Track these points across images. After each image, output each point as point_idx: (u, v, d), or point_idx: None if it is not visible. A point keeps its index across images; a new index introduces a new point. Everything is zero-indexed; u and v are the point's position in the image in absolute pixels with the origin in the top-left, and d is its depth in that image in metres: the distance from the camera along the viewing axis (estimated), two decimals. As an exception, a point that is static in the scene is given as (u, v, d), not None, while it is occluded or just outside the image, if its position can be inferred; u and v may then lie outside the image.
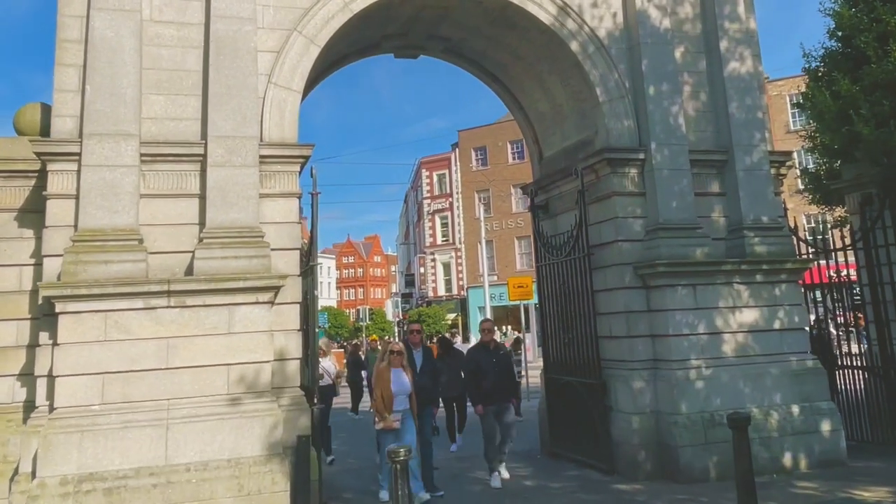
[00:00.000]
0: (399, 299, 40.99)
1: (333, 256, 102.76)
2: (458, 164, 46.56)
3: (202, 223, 7.14)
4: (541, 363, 12.58)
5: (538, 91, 10.21)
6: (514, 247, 42.94)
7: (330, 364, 11.65)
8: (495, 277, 40.58)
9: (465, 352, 10.87)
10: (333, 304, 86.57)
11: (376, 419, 7.45)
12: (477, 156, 46.05)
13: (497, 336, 34.88)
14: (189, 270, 6.98)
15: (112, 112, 6.84)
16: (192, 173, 7.25)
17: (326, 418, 10.76)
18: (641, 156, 8.80)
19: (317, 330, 8.00)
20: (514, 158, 44.51)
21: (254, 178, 7.27)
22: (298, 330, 7.50)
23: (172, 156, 7.15)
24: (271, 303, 7.13)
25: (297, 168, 7.63)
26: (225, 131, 7.22)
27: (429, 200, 48.38)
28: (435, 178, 48.60)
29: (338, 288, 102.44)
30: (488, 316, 35.58)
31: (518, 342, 17.78)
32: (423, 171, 49.35)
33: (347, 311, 70.06)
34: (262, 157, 7.39)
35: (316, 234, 8.03)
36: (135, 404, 6.51)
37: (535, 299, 26.97)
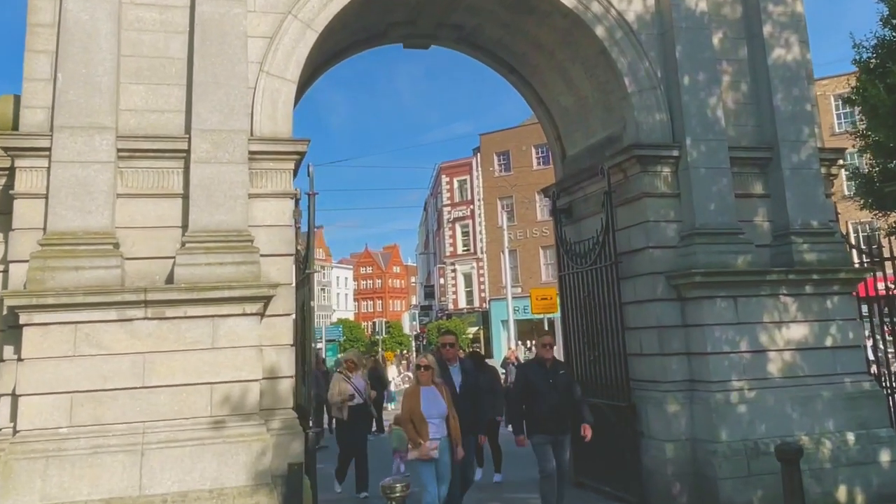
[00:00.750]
0: (417, 312, 40.52)
1: (351, 267, 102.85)
2: (479, 169, 46.14)
3: (185, 226, 6.72)
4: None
5: (560, 83, 9.69)
6: (539, 257, 42.33)
7: (362, 381, 10.30)
8: (519, 289, 39.98)
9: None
10: (351, 316, 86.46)
11: (409, 447, 6.62)
12: (500, 161, 45.58)
13: (521, 352, 34.29)
14: (170, 278, 6.55)
15: (86, 103, 6.45)
16: (174, 171, 6.84)
17: (357, 447, 9.61)
18: (675, 152, 8.23)
19: (314, 345, 7.51)
20: (539, 163, 43.92)
21: (242, 177, 6.84)
22: (292, 345, 7.04)
23: (153, 151, 6.75)
24: (261, 314, 6.68)
25: (292, 165, 7.19)
26: (211, 124, 6.80)
27: (449, 208, 48.00)
28: (455, 185, 48.23)
29: (355, 300, 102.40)
30: (511, 330, 35.03)
31: None
32: (443, 176, 49.01)
33: (364, 323, 69.77)
34: (251, 153, 6.96)
35: (312, 239, 7.58)
36: (107, 427, 6.08)
37: (559, 312, 26.40)
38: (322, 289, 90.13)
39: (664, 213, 8.21)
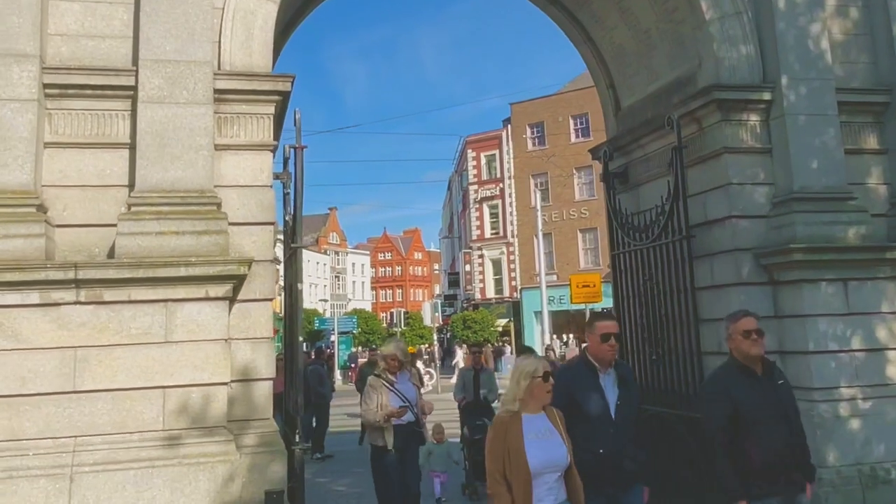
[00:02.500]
0: (440, 301, 39.59)
1: (368, 253, 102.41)
2: (510, 143, 45.04)
3: (133, 185, 5.68)
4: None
5: (614, 14, 8.46)
6: (576, 241, 41.32)
7: (412, 387, 7.28)
8: (554, 277, 39.12)
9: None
10: (368, 306, 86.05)
11: None
12: (532, 133, 44.42)
13: (557, 346, 33.19)
14: (113, 252, 5.53)
15: (0, 24, 5.41)
16: (119, 114, 5.81)
17: (410, 489, 7.09)
18: (766, 95, 7.00)
19: (300, 338, 6.47)
20: (577, 136, 42.70)
21: (205, 122, 5.78)
22: (271, 338, 5.99)
23: (91, 88, 5.71)
24: (230, 299, 5.64)
25: (271, 109, 6.12)
26: (165, 53, 5.73)
27: (476, 186, 47.01)
28: (483, 161, 47.18)
29: (373, 288, 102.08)
30: (545, 323, 33.94)
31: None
32: (470, 151, 47.98)
33: (382, 314, 69.20)
34: (218, 91, 5.89)
35: (300, 205, 6.50)
36: (25, 444, 5.11)
37: (603, 302, 25.27)
38: (336, 276, 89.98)
39: (751, 173, 7.02)
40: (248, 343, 5.83)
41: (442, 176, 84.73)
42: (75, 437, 5.20)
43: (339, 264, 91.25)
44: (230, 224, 5.83)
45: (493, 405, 10.13)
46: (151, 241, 5.48)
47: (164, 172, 5.65)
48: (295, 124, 6.42)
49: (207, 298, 5.51)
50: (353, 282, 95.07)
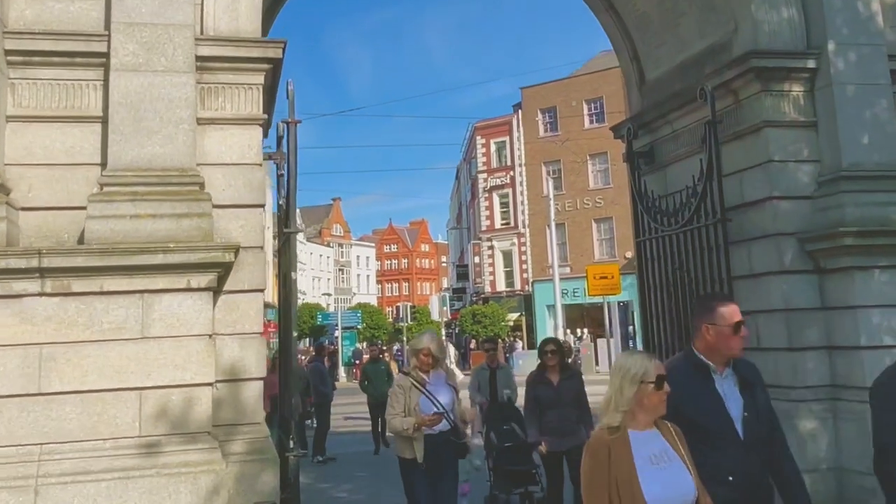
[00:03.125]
0: (447, 295, 39.22)
1: (373, 245, 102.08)
2: (520, 129, 44.56)
3: (106, 163, 5.26)
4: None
5: (639, -23, 7.98)
6: (591, 231, 40.86)
7: (448, 389, 6.18)
8: (567, 269, 38.73)
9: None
10: (373, 300, 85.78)
11: None
12: (545, 119, 43.90)
13: (571, 342, 32.72)
14: (84, 237, 5.11)
15: (-45, -20, 4.99)
16: (90, 84, 5.38)
17: (439, 500, 6.03)
18: (811, 63, 6.54)
19: (294, 333, 6.06)
20: (591, 121, 42.18)
21: (186, 92, 5.35)
22: (262, 333, 5.58)
23: (59, 55, 5.29)
24: (214, 290, 5.22)
25: (260, 79, 5.68)
26: (140, 16, 5.30)
27: (485, 175, 46.52)
28: (492, 148, 46.70)
29: (378, 282, 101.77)
30: (559, 317, 33.49)
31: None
32: (478, 138, 47.50)
33: (388, 309, 68.87)
34: (201, 58, 5.46)
35: (294, 186, 6.08)
36: (-16, 452, 4.69)
37: (622, 294, 24.71)
38: (340, 269, 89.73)
39: (794, 149, 6.55)
40: (235, 339, 5.41)
41: (450, 166, 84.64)
42: (41, 444, 4.79)
43: (342, 257, 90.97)
44: (215, 207, 5.40)
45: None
46: (125, 224, 5.05)
47: (139, 149, 5.23)
48: (288, 97, 6.00)
49: (189, 289, 5.08)
50: (358, 275, 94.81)
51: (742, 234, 6.69)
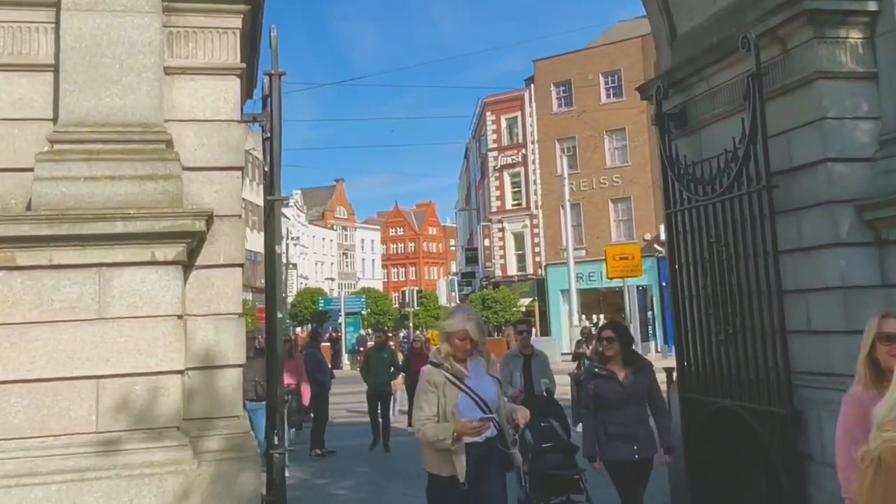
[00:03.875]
0: (456, 279, 38.75)
1: (378, 228, 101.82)
2: (533, 104, 44.09)
3: (58, 118, 4.74)
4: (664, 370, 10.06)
5: (672, -87, 7.36)
6: (607, 212, 40.53)
7: (493, 385, 4.99)
8: (583, 252, 38.51)
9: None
10: (378, 285, 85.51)
11: None
12: (559, 93, 43.37)
13: (587, 324, 32.20)
14: (31, 203, 4.60)
15: None
16: (40, 28, 4.85)
17: None
18: (872, 5, 5.95)
19: (279, 313, 5.55)
20: (608, 95, 41.64)
21: (150, 35, 4.81)
22: (241, 315, 5.08)
23: (2, -9, 4.75)
24: (184, 263, 4.72)
25: (237, 22, 5.14)
26: (96, -56, 4.74)
27: (495, 153, 46.15)
28: (503, 124, 46.28)
29: (384, 266, 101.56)
30: (573, 302, 32.99)
31: (590, 337, 14.63)
32: (488, 114, 47.02)
33: (394, 294, 68.60)
34: (168, -4, 4.91)
35: (278, 146, 5.54)
36: (-85, 452, 4.21)
37: (644, 277, 24.15)
38: (344, 253, 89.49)
39: (852, 104, 5.97)
40: (210, 321, 4.90)
41: (458, 143, 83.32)
42: (-20, 441, 4.31)
43: (346, 240, 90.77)
44: (185, 169, 4.88)
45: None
46: (80, 188, 4.52)
47: (96, 100, 4.69)
48: (270, 46, 5.44)
49: (154, 262, 4.57)
50: (363, 259, 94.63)
51: (790, 202, 6.13)
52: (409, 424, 15.27)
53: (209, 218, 4.69)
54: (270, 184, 5.64)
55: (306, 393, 11.66)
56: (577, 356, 13.85)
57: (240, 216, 5.10)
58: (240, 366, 4.99)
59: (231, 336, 4.94)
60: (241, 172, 5.16)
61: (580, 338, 14.52)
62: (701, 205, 6.90)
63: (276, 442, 5.17)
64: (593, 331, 16.46)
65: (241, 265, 5.07)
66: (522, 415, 4.93)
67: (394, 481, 10.00)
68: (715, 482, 6.65)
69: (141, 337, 4.52)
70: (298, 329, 43.08)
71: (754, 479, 6.21)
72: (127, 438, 4.45)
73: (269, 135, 5.75)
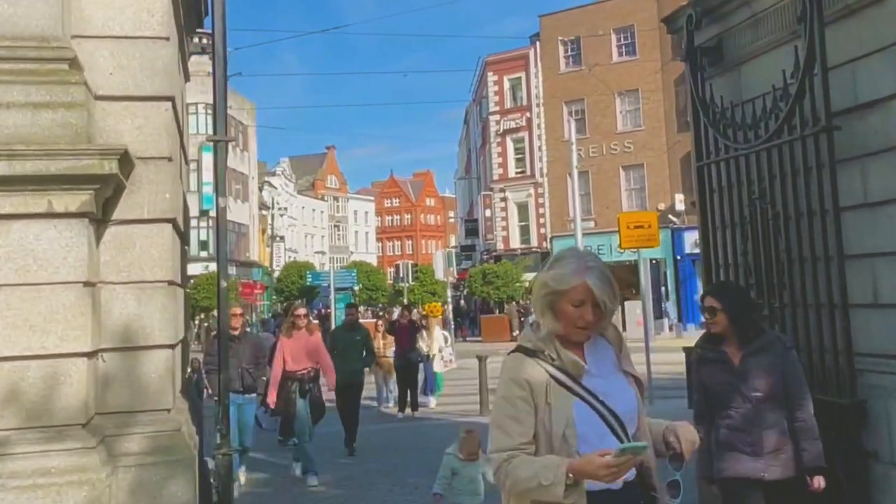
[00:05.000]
0: (454, 252, 38.00)
1: (372, 199, 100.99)
2: (538, 63, 43.06)
3: (-71, 27, 3.91)
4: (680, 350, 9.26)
5: None
6: (618, 180, 39.76)
7: (627, 388, 2.86)
8: (592, 223, 37.77)
9: None
10: (373, 260, 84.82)
11: None
12: (567, 51, 42.29)
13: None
14: None
15: None
16: None
17: None
18: None
19: (225, 283, 4.75)
20: (620, 54, 40.61)
21: (48, -81, 3.95)
22: (172, 283, 4.28)
23: None
24: (94, 217, 3.92)
25: None
26: None
27: (497, 116, 45.24)
28: (506, 85, 45.30)
29: (378, 239, 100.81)
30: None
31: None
32: (490, 74, 46.04)
33: (389, 269, 68.02)
34: None
35: (223, 73, 4.70)
36: None
37: (661, 248, 23.25)
38: (336, 225, 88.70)
39: (934, 26, 5.10)
40: (130, 290, 4.12)
41: (459, 113, 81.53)
42: None
43: (338, 212, 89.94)
44: (98, 98, 4.10)
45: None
46: (-47, 117, 3.71)
47: (-24, 4, 3.86)
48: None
49: (51, 215, 3.76)
50: (356, 232, 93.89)
51: (854, 147, 5.30)
52: (401, 410, 14.63)
53: (123, 158, 3.86)
54: (214, 118, 4.81)
55: (330, 376, 9.99)
56: None
57: (170, 159, 4.28)
58: (171, 346, 4.22)
59: (157, 309, 4.17)
60: (171, 104, 4.33)
61: None
62: (741, 154, 6.11)
63: (219, 440, 4.39)
64: None
65: (171, 220, 4.26)
66: (688, 436, 2.85)
67: (377, 477, 9.28)
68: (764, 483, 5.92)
69: (34, 310, 3.74)
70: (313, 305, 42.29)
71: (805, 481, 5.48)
72: (16, 440, 3.69)
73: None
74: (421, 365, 14.94)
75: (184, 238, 5.41)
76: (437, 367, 15.35)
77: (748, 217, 6.10)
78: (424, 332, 15.61)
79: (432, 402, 15.27)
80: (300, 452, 9.39)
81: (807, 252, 5.44)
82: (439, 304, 31.19)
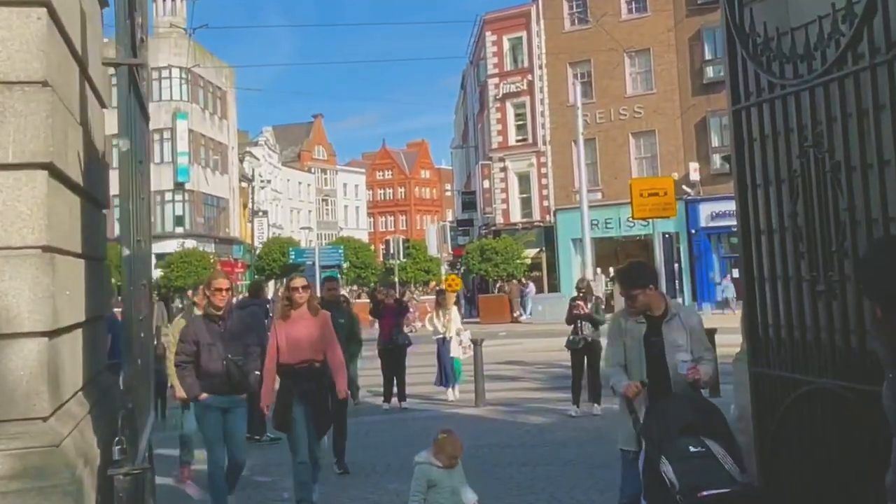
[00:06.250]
0: (448, 225, 37.29)
1: (363, 171, 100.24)
2: (541, 21, 42.55)
3: None
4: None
5: None
6: (627, 147, 39.33)
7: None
8: (599, 195, 37.52)
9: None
10: (364, 236, 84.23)
11: None
12: (571, 7, 41.64)
13: (602, 283, 30.75)
14: None
15: None
16: None
17: None
18: None
19: (128, 251, 3.89)
20: (630, 10, 39.96)
21: None
22: (50, 250, 3.43)
23: None
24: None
25: None
26: None
27: (496, 80, 44.56)
28: (506, 45, 44.69)
29: (369, 214, 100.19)
30: (587, 253, 31.58)
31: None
32: (488, 34, 45.38)
33: (381, 246, 67.61)
34: None
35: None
36: None
37: (674, 221, 22.61)
38: (324, 199, 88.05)
39: None
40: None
41: (455, 82, 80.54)
42: None
43: (326, 185, 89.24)
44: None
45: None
46: None
47: None
48: None
49: None
50: (346, 206, 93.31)
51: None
52: (385, 400, 13.81)
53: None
54: (119, 35, 3.91)
55: (340, 378, 7.82)
56: (572, 318, 11.90)
57: (45, 83, 3.41)
58: (47, 334, 3.37)
59: (27, 285, 3.32)
60: (46, 10, 3.45)
61: (575, 294, 12.44)
62: (790, 92, 5.31)
63: (118, 456, 3.54)
64: (594, 285, 14.71)
65: (47, 166, 3.39)
66: None
67: (353, 481, 8.53)
68: (809, 492, 5.18)
69: None
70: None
71: (863, 484, 4.72)
72: None
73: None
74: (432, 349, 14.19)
75: (95, 198, 4.56)
76: (455, 351, 14.35)
77: (798, 170, 5.34)
78: (440, 311, 14.73)
79: (452, 394, 14.21)
80: (300, 474, 7.49)
81: (875, 212, 4.67)
82: (458, 277, 29.76)
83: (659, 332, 5.54)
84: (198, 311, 8.36)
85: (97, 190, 4.72)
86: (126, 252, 3.68)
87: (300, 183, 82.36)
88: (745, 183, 5.87)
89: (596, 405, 11.51)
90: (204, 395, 6.99)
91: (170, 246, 46.13)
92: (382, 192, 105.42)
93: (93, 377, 4.10)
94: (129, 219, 3.71)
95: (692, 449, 4.78)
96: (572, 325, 11.86)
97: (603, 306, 12.58)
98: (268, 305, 15.32)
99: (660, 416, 5.06)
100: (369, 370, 14.33)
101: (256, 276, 48.80)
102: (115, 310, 9.24)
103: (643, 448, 4.93)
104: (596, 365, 11.34)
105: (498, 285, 38.12)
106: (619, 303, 32.19)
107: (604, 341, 6.54)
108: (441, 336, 14.27)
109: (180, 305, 34.20)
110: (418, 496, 5.25)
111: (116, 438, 3.49)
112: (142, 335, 3.99)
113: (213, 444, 7.12)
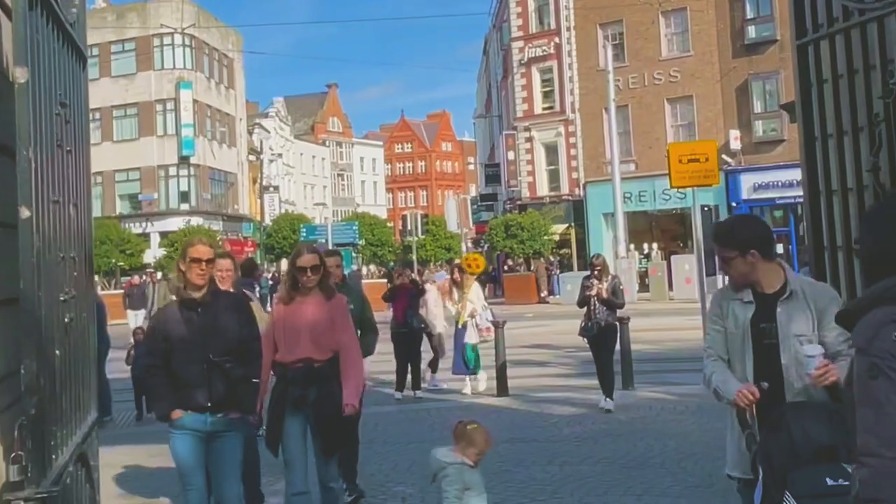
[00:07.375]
0: (470, 199, 36.76)
1: (381, 144, 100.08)
2: (569, -22, 41.50)
3: None
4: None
5: None
6: (663, 115, 38.87)
7: None
8: (632, 166, 37.12)
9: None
10: (382, 213, 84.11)
11: None
12: (601, -38, 40.54)
13: (635, 260, 29.97)
14: None
15: None
16: None
17: None
18: None
19: (76, 212, 3.28)
20: (664, -36, 38.76)
21: None
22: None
23: None
24: None
25: None
26: None
27: (521, 43, 44.15)
28: (531, 6, 44.43)
29: (388, 190, 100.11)
30: (619, 228, 30.93)
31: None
32: (512, -6, 44.54)
33: (400, 222, 67.49)
34: None
35: None
36: None
37: (714, 193, 21.84)
38: (339, 174, 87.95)
39: None
40: None
41: (478, 49, 79.40)
42: None
43: (342, 159, 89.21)
44: None
45: None
46: None
47: None
48: None
49: None
50: (363, 181, 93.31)
51: None
52: (398, 389, 13.26)
53: None
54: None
55: (351, 382, 6.01)
56: (583, 301, 11.10)
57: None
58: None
59: None
60: None
61: (588, 273, 11.53)
62: (871, 19, 4.73)
63: (16, 476, 2.91)
64: (626, 263, 14.02)
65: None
66: None
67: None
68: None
69: None
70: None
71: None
72: None
73: None
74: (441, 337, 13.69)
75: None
76: (471, 336, 13.66)
77: (881, 116, 4.70)
78: (455, 291, 14.15)
79: (475, 383, 13.52)
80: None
81: None
82: (482, 256, 27.95)
83: (772, 315, 4.33)
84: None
85: None
86: (25, 214, 3.05)
87: (314, 157, 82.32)
88: (812, 134, 5.35)
89: (608, 399, 10.74)
90: (178, 413, 5.26)
91: (174, 223, 46.02)
92: (402, 166, 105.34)
93: (11, 372, 3.49)
94: (29, 170, 3.09)
95: (830, 482, 3.69)
96: (584, 308, 11.22)
97: (622, 287, 11.69)
98: (256, 285, 14.70)
99: (784, 435, 3.92)
100: (380, 355, 13.83)
101: (269, 256, 48.62)
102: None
103: (760, 477, 3.82)
104: (608, 351, 10.86)
105: (509, 264, 37.33)
106: (654, 283, 31.54)
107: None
108: (455, 319, 13.72)
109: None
110: (455, 503, 4.67)
111: (13, 455, 2.87)
112: (66, 320, 3.39)
113: (188, 480, 5.36)
